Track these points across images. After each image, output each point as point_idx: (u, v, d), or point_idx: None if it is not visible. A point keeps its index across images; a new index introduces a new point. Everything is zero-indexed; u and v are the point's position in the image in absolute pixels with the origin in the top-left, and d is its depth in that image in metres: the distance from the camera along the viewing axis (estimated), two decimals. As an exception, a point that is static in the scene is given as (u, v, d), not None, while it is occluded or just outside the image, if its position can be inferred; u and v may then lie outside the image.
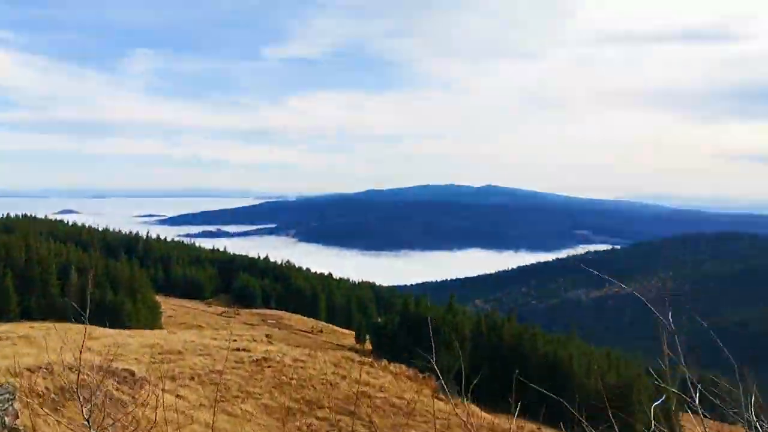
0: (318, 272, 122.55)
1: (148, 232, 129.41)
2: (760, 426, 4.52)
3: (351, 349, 75.01)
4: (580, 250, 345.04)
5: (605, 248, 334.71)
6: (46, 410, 14.79)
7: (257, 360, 30.29)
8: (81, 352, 4.07)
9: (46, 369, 17.40)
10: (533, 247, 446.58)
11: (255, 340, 41.83)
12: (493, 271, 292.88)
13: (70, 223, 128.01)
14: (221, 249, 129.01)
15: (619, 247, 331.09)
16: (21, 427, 6.08)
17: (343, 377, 29.82)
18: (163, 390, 21.15)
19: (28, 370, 17.18)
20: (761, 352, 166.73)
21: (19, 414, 6.55)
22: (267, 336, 50.06)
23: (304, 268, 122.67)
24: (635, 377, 62.79)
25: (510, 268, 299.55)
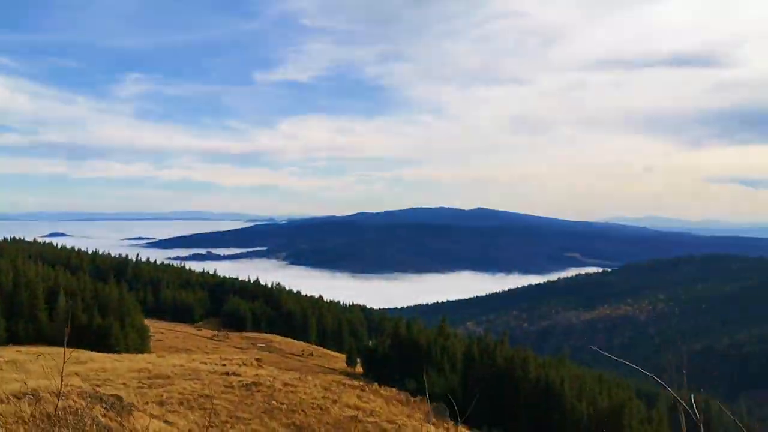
0: (308, 295, 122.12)
1: (137, 256, 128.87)
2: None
3: (342, 372, 74.55)
4: (571, 272, 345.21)
5: (596, 271, 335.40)
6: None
7: (247, 384, 30.01)
8: (62, 378, 3.98)
9: (33, 395, 17.16)
10: (524, 269, 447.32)
11: (245, 364, 41.49)
12: (484, 294, 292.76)
13: (60, 247, 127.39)
14: (211, 272, 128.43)
15: (609, 269, 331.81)
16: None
17: (334, 401, 29.57)
18: (151, 416, 20.91)
19: (15, 396, 16.93)
20: (756, 373, 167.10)
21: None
22: (257, 360, 49.71)
23: (295, 291, 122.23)
24: (627, 400, 62.67)
25: (501, 291, 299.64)
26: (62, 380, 4.76)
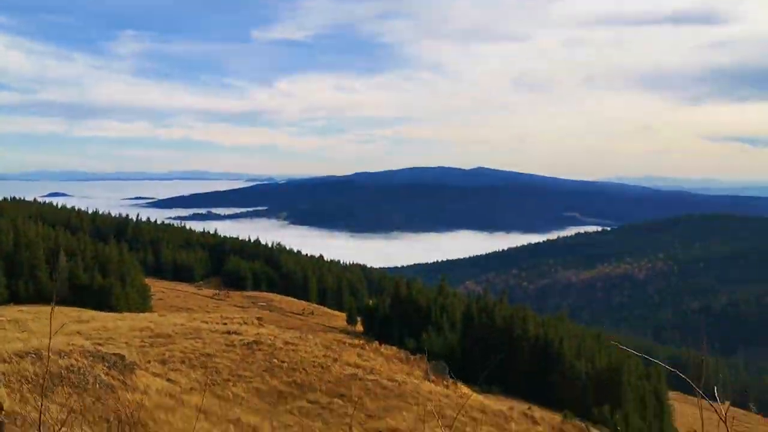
0: (309, 255, 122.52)
1: (138, 215, 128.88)
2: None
3: (342, 331, 75.09)
4: (571, 231, 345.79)
5: (595, 230, 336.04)
6: (35, 396, 14.67)
7: (248, 343, 30.20)
8: (51, 338, 3.93)
9: (35, 354, 17.26)
10: (524, 228, 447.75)
11: (246, 323, 41.74)
12: (483, 253, 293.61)
13: (60, 207, 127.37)
14: (211, 232, 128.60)
15: (609, 228, 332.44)
16: (5, 420, 5.94)
17: (335, 360, 29.80)
18: (153, 374, 21.07)
19: (17, 355, 17.03)
20: (753, 331, 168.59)
21: (3, 405, 6.41)
22: (258, 319, 49.96)
23: (295, 251, 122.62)
24: (625, 358, 63.16)
25: (501, 250, 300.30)
26: (50, 338, 4.71)
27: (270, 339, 31.80)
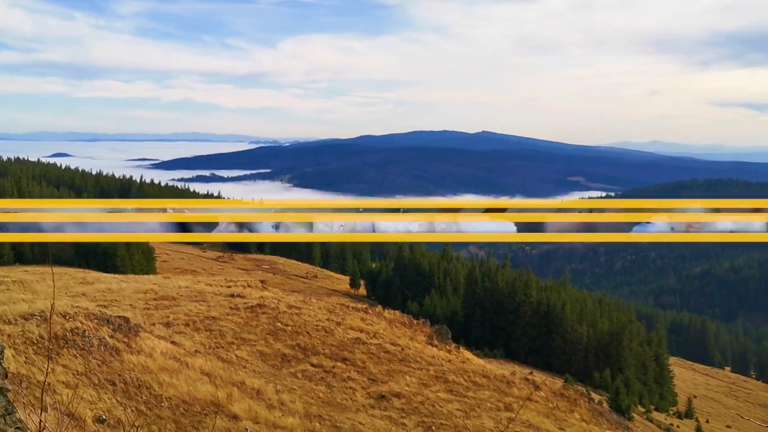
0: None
1: (141, 177, 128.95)
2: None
3: (345, 294, 75.47)
4: (575, 196, 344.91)
5: (599, 195, 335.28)
6: (41, 358, 14.77)
7: (252, 306, 30.32)
8: (52, 304, 3.89)
9: (40, 316, 17.33)
10: (527, 193, 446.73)
11: (250, 286, 41.84)
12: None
13: (63, 167, 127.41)
14: (215, 194, 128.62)
15: (613, 194, 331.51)
16: (10, 386, 5.93)
17: (338, 324, 29.93)
18: (158, 337, 21.19)
19: (22, 317, 17.11)
20: (754, 296, 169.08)
21: (8, 374, 6.40)
22: (262, 282, 50.09)
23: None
24: (627, 323, 63.55)
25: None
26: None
27: (274, 302, 31.92)
